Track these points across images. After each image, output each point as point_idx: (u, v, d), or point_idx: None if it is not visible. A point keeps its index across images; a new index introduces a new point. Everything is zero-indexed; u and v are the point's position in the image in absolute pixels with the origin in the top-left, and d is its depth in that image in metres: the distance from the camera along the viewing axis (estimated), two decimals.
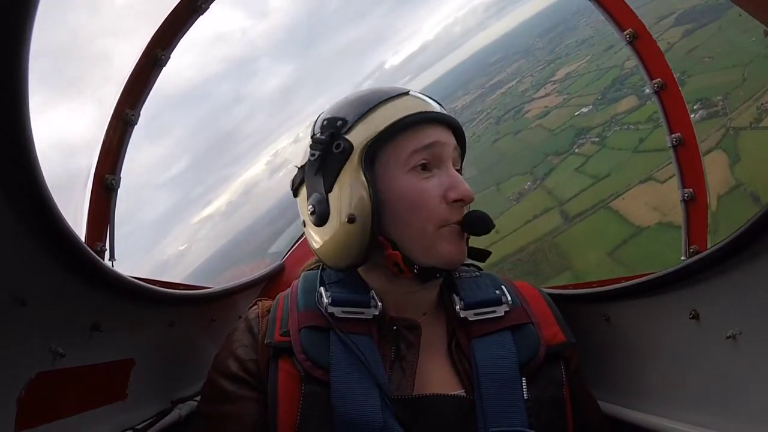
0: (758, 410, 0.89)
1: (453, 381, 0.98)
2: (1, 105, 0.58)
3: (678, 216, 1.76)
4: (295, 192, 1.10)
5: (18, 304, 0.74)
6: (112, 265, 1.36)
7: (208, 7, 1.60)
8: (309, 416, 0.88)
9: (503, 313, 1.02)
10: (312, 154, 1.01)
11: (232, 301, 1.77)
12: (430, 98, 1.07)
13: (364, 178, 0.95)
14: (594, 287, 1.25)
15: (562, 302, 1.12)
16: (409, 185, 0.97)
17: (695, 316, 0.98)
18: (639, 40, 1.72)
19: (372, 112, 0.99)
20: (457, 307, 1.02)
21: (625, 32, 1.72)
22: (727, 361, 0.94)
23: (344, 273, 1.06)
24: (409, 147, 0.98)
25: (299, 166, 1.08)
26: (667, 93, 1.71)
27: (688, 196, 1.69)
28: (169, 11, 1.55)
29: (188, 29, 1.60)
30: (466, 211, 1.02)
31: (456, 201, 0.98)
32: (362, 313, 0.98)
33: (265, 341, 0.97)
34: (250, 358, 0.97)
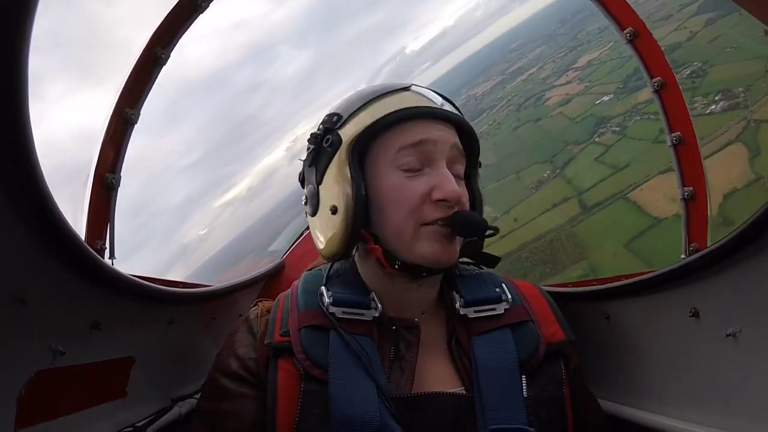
0: (758, 408, 0.89)
1: (453, 379, 0.98)
2: (1, 105, 0.58)
3: None
4: (302, 183, 1.14)
5: (18, 302, 0.75)
6: (112, 264, 1.36)
7: (208, 6, 1.59)
8: (307, 414, 0.88)
9: (503, 311, 1.02)
10: (308, 148, 1.07)
11: (232, 300, 1.77)
12: (438, 94, 1.06)
13: (348, 173, 0.97)
14: (594, 285, 1.25)
15: (562, 300, 1.12)
16: (391, 182, 0.97)
17: (695, 314, 0.97)
18: (639, 38, 1.71)
19: (364, 108, 1.00)
20: (457, 304, 1.02)
21: (626, 31, 1.71)
22: (726, 359, 0.94)
23: (345, 272, 1.07)
24: (396, 143, 0.98)
25: (302, 159, 1.12)
26: (667, 92, 1.70)
27: (688, 195, 1.68)
28: (169, 10, 1.54)
29: (188, 28, 1.60)
30: (452, 212, 0.96)
31: (440, 201, 0.95)
32: (362, 314, 0.98)
33: (265, 341, 0.97)
34: (250, 357, 0.98)
